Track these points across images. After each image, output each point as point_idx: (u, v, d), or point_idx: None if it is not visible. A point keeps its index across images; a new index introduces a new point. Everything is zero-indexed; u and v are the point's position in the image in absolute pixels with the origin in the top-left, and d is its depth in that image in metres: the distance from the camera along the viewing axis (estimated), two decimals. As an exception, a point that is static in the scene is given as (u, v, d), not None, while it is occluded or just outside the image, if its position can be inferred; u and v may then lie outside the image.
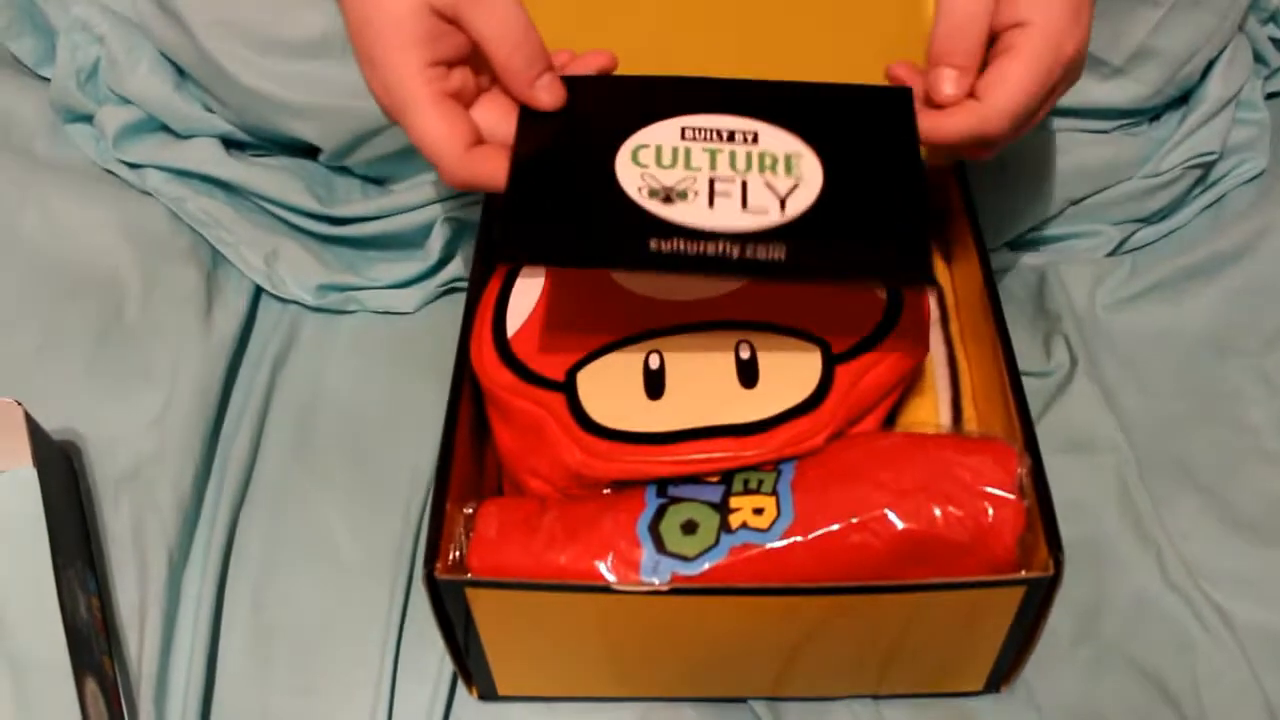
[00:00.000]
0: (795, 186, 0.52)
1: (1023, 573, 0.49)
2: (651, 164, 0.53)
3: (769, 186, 0.52)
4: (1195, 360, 0.71)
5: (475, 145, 0.52)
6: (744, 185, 0.52)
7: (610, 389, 0.54)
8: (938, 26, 0.54)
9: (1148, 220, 0.77)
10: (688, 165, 0.53)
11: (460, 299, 0.61)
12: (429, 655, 0.59)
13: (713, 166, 0.53)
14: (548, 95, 0.54)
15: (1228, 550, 0.62)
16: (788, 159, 0.53)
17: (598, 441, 0.52)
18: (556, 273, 0.59)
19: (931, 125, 0.54)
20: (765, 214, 0.51)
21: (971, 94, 0.53)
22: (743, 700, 0.58)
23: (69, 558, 0.58)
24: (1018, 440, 0.52)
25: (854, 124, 0.55)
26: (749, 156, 0.53)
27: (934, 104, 0.54)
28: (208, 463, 0.67)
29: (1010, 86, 0.52)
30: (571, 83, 0.55)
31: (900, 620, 0.51)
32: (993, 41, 0.54)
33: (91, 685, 0.55)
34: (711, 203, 0.52)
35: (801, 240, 0.50)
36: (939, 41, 0.54)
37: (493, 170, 0.52)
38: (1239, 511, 0.64)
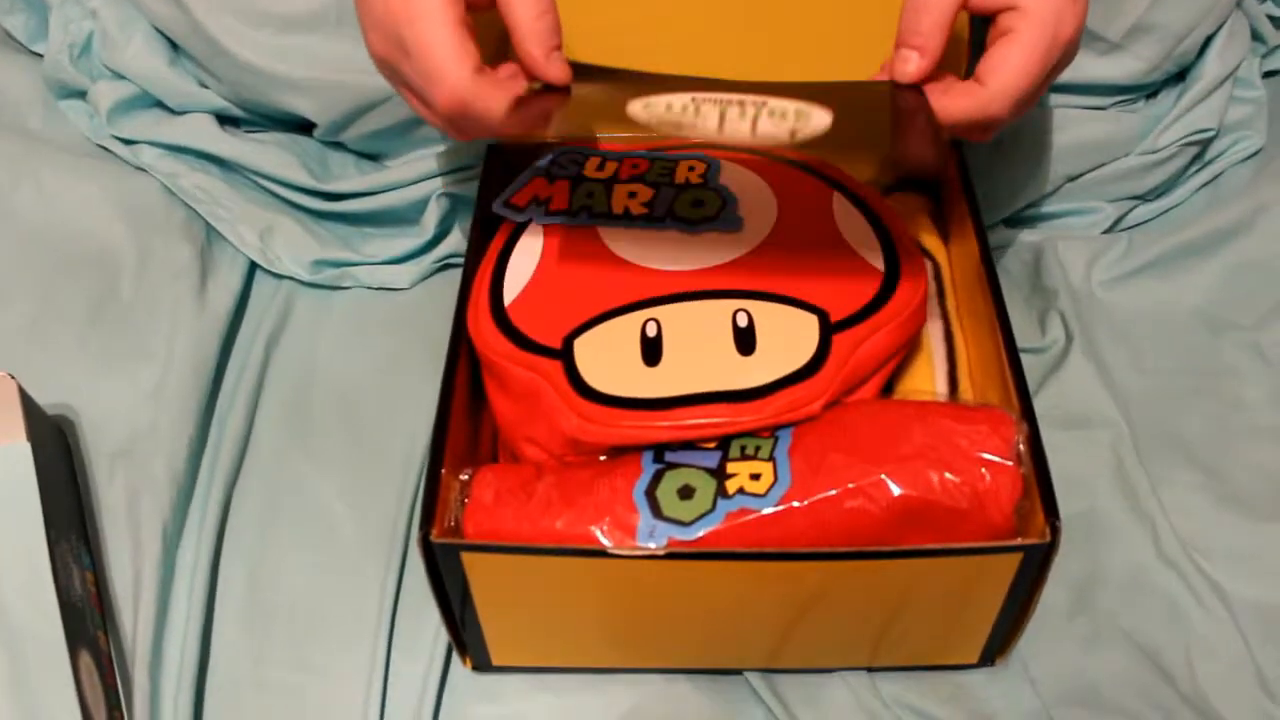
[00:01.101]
0: (805, 123, 0.52)
1: (1019, 540, 0.49)
2: (660, 110, 0.53)
3: (777, 125, 0.52)
4: (1191, 337, 0.71)
5: (481, 70, 0.51)
6: (754, 121, 0.52)
7: (607, 356, 0.53)
8: (903, 8, 0.54)
9: (1144, 197, 0.77)
10: (697, 114, 0.53)
11: (455, 275, 0.61)
12: (424, 628, 0.59)
13: (721, 117, 0.52)
14: (559, 69, 0.54)
15: (1222, 525, 0.62)
16: (797, 112, 0.53)
17: (595, 408, 0.52)
18: (554, 241, 0.59)
19: (933, 106, 0.53)
20: (772, 138, 0.51)
21: (974, 78, 0.53)
22: (738, 672, 0.58)
23: (63, 532, 0.58)
24: (1015, 411, 0.52)
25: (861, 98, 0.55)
26: (758, 107, 0.53)
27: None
28: (202, 438, 0.67)
29: (1011, 70, 0.52)
30: (577, 68, 0.55)
31: (896, 587, 0.51)
32: (991, 22, 0.54)
33: (86, 659, 0.54)
34: (721, 128, 0.51)
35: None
36: (902, 22, 0.54)
37: (493, 99, 0.50)
38: (1234, 487, 0.64)
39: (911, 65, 0.54)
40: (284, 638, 0.60)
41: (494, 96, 0.51)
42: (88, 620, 0.57)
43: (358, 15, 0.53)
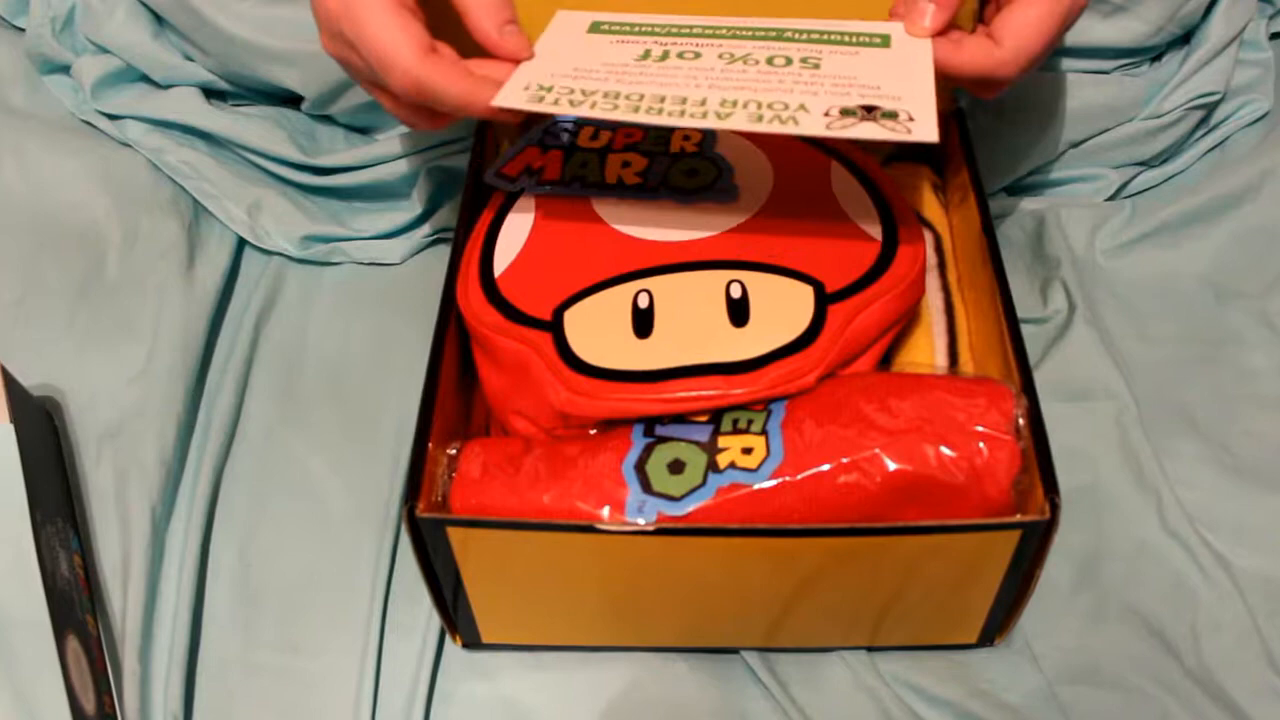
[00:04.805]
0: None
1: (1018, 516, 0.48)
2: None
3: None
4: (1195, 305, 0.71)
5: (433, 50, 0.51)
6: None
7: (598, 328, 0.53)
8: None
9: (1149, 163, 0.76)
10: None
11: (446, 250, 0.61)
12: (418, 607, 0.58)
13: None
14: (513, 43, 0.53)
15: (1228, 497, 0.62)
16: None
17: (584, 380, 0.51)
18: (545, 212, 0.59)
19: (943, 55, 0.52)
20: None
21: (989, 35, 0.52)
22: (735, 651, 0.57)
23: (49, 515, 0.58)
24: (1015, 384, 0.51)
25: None
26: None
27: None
28: (191, 417, 0.66)
29: (1029, 33, 0.51)
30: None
31: (891, 565, 0.50)
32: None
33: (73, 643, 0.54)
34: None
35: None
36: None
37: (449, 77, 0.50)
38: (1239, 458, 0.63)
39: (927, 20, 0.53)
40: (276, 619, 0.59)
41: (448, 75, 0.50)
42: (75, 604, 0.56)
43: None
